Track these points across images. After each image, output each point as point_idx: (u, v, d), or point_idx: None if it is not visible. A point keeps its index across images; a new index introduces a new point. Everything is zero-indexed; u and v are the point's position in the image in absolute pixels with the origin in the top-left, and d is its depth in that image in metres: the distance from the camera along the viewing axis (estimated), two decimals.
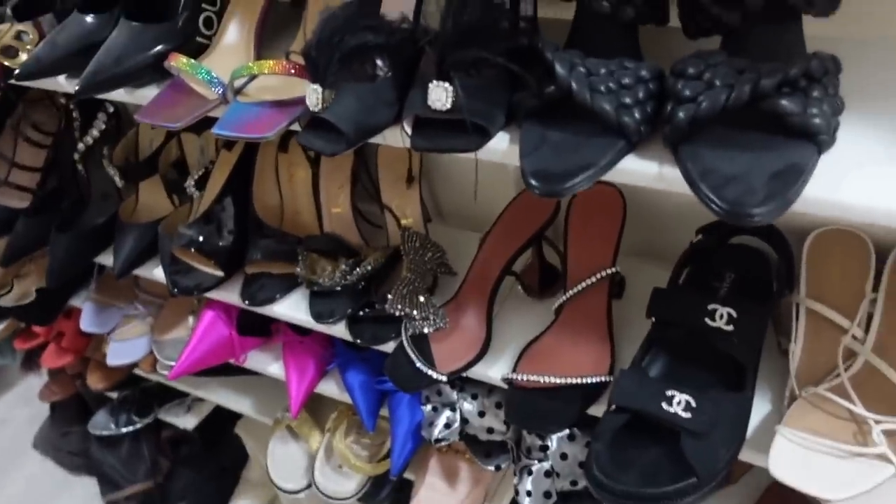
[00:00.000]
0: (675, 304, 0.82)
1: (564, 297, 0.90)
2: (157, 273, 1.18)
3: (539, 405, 0.85)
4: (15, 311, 1.38)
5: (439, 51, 0.66)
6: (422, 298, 0.96)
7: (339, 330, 1.03)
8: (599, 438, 0.73)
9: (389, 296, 0.95)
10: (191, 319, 1.28)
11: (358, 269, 1.01)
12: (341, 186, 1.11)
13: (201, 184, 1.16)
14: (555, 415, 0.84)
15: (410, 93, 0.69)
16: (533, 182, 0.60)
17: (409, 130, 0.68)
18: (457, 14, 0.66)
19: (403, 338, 0.95)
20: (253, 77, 0.79)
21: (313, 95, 0.68)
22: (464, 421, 1.03)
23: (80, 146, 1.26)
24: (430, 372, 0.91)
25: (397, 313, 0.95)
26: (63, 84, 0.92)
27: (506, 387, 0.90)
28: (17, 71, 0.88)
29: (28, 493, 1.97)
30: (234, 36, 0.88)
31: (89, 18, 0.89)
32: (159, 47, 0.85)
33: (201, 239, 1.08)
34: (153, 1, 0.89)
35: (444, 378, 0.91)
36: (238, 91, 0.79)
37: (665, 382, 0.75)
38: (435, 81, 0.64)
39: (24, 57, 0.93)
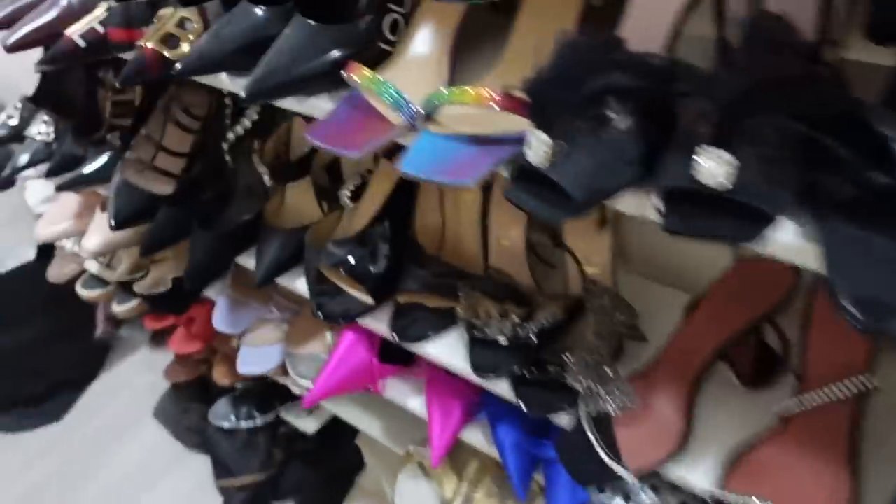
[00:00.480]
0: None
1: (798, 405, 0.72)
2: (299, 286, 1.08)
3: None
4: (148, 298, 1.32)
5: (719, 107, 0.49)
6: (609, 371, 0.80)
7: (502, 388, 0.89)
8: None
9: (570, 361, 0.80)
10: (328, 336, 1.17)
11: (531, 325, 0.85)
12: (515, 217, 0.96)
13: (357, 195, 1.03)
14: None
15: (666, 156, 0.52)
16: (854, 311, 0.43)
17: (661, 207, 0.51)
18: (740, 57, 0.49)
19: (583, 417, 0.80)
20: None
21: (540, 148, 0.53)
22: None
23: (230, 135, 1.16)
24: (616, 467, 0.75)
25: (579, 388, 0.79)
26: (226, 82, 0.81)
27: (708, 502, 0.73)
28: (177, 65, 0.77)
29: (143, 463, 1.97)
30: (424, 46, 0.73)
31: (259, 11, 0.77)
32: (337, 52, 0.72)
33: (353, 262, 0.95)
34: None
35: (633, 478, 0.75)
36: (429, 116, 0.65)
37: None
38: (709, 148, 0.47)
39: (185, 48, 0.82)
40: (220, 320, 1.27)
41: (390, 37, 0.74)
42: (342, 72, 0.70)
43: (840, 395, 0.69)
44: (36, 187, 1.73)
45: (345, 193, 1.03)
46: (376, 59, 0.73)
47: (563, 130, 0.52)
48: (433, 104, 0.62)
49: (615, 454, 0.77)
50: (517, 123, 0.59)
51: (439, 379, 1.08)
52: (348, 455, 1.69)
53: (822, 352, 0.73)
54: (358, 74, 0.68)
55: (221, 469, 1.79)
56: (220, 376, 1.49)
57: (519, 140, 0.56)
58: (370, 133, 0.66)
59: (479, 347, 0.91)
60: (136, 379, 2.18)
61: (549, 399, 0.85)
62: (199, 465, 1.90)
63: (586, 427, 0.79)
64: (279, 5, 0.77)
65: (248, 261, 1.14)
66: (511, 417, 1.01)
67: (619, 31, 0.61)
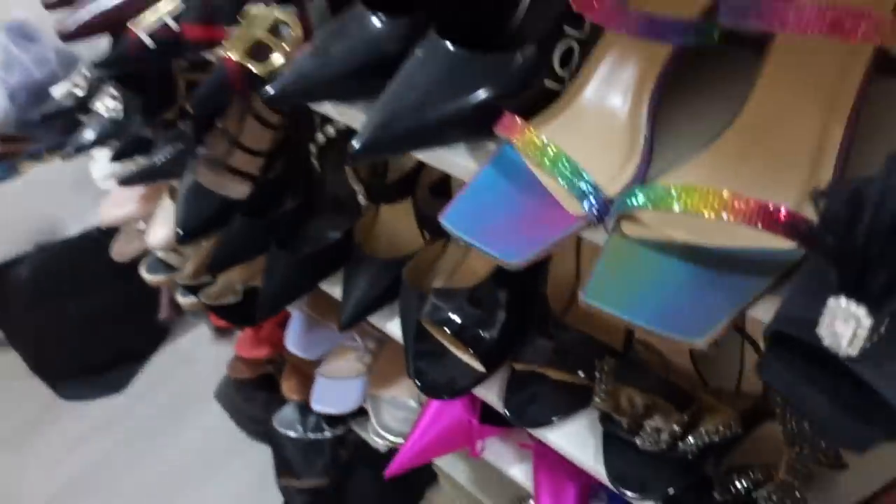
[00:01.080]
0: None
1: None
2: (391, 329, 0.91)
3: None
4: (214, 308, 1.17)
5: None
6: None
7: None
8: None
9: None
10: None
11: (693, 440, 0.66)
12: None
13: None
14: None
15: None
16: None
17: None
18: None
19: None
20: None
21: (849, 326, 0.33)
22: None
23: (320, 137, 0.98)
24: None
25: None
26: (332, 111, 0.63)
27: None
28: (268, 87, 0.58)
29: (202, 448, 1.87)
30: (611, 93, 0.52)
31: (377, 22, 0.58)
32: (486, 92, 0.52)
33: (461, 322, 0.77)
34: (480, 12, 0.56)
35: None
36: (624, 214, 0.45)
37: None
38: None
39: (277, 61, 0.64)
40: (294, 341, 1.12)
41: (561, 71, 0.54)
42: (497, 129, 0.50)
43: None
44: (102, 161, 1.60)
45: None
46: (538, 101, 0.54)
47: (889, 296, 0.32)
48: (639, 204, 0.42)
49: None
50: (774, 243, 0.40)
51: (549, 452, 0.90)
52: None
53: None
54: (521, 139, 0.48)
55: (284, 467, 1.68)
56: (288, 390, 1.35)
57: None
58: (535, 224, 0.47)
59: (619, 449, 0.72)
60: (199, 354, 2.08)
61: None
62: (261, 457, 1.80)
63: None
64: (406, 16, 0.57)
65: (332, 287, 0.98)
66: None
67: None
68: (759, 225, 0.39)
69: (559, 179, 0.46)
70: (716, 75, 0.54)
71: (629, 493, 0.70)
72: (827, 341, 0.33)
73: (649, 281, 0.42)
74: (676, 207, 0.41)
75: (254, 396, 1.80)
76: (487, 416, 0.94)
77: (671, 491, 0.68)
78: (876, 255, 0.31)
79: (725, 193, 0.39)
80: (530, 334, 0.79)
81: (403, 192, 0.92)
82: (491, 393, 0.82)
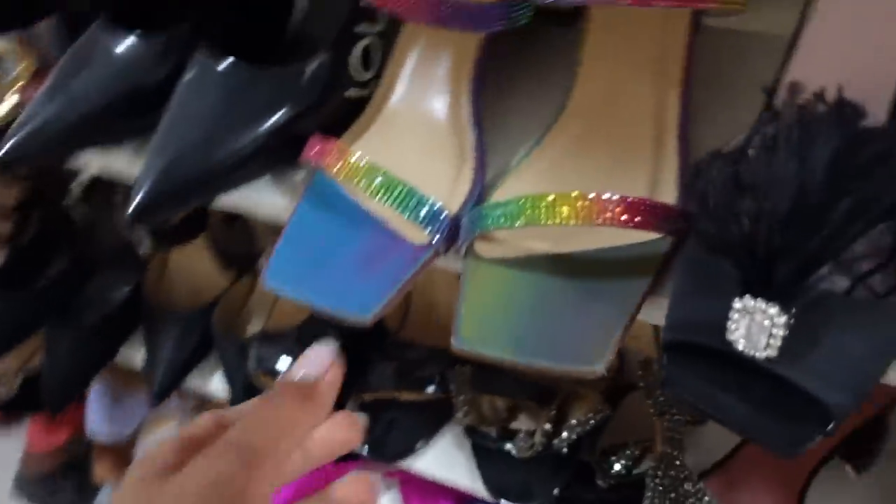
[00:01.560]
0: None
1: None
2: (214, 388, 0.80)
3: None
4: None
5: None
6: (688, 486, 0.60)
7: None
8: None
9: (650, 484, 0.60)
10: None
11: (567, 434, 0.64)
12: None
13: None
14: None
15: None
16: None
17: None
18: None
19: None
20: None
21: (763, 327, 0.29)
22: None
23: (81, 178, 0.84)
24: None
25: None
26: (92, 165, 0.50)
27: None
28: None
29: None
30: (421, 91, 0.46)
31: (130, 42, 0.47)
32: (279, 114, 0.44)
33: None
34: (250, 17, 0.48)
35: None
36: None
37: None
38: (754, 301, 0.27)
39: (2, 108, 0.50)
40: (97, 424, 0.95)
41: (364, 74, 0.46)
42: (304, 156, 0.42)
43: None
44: None
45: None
46: (345, 115, 0.46)
47: (796, 288, 0.29)
48: (496, 224, 0.36)
49: None
50: (642, 236, 0.36)
51: (415, 481, 0.84)
52: None
53: None
54: (334, 163, 0.40)
55: None
56: (102, 472, 1.16)
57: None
58: (376, 264, 0.40)
59: (493, 459, 0.68)
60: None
61: None
62: None
63: None
64: (164, 30, 0.47)
65: (133, 354, 0.84)
66: None
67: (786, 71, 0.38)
68: (630, 223, 0.35)
69: (391, 204, 0.39)
70: (533, 57, 0.50)
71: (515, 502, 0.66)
72: (741, 346, 0.30)
73: (527, 307, 0.36)
74: (540, 219, 0.35)
75: (61, 487, 1.56)
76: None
77: (556, 492, 0.65)
78: (778, 246, 0.28)
79: (591, 195, 0.35)
80: (372, 361, 0.72)
81: (193, 229, 0.80)
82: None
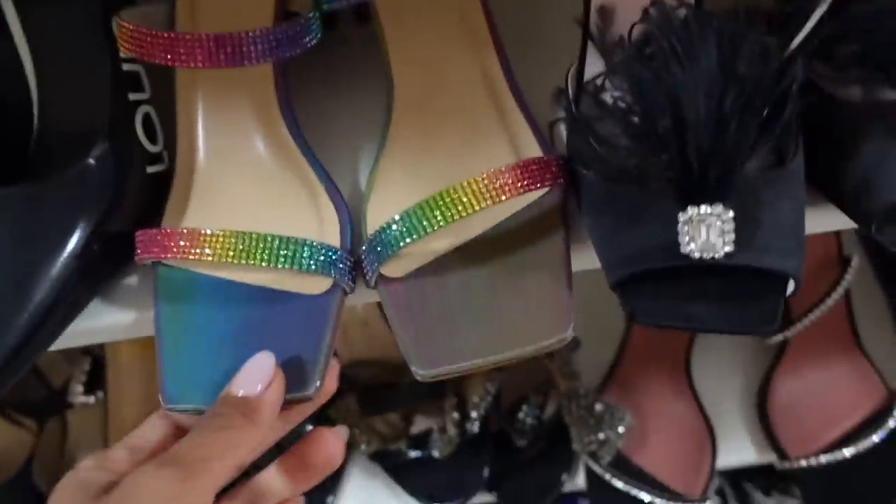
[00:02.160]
0: None
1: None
2: None
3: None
4: None
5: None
6: (599, 407, 0.63)
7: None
8: None
9: (572, 430, 0.61)
10: None
11: (475, 414, 0.63)
12: None
13: (93, 381, 0.65)
14: None
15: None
16: None
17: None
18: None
19: (600, 471, 0.63)
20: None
21: (713, 228, 0.30)
22: None
23: None
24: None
25: (583, 449, 0.62)
26: None
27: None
28: None
29: None
30: (226, 141, 0.40)
31: None
32: (80, 226, 0.36)
33: None
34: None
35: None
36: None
37: None
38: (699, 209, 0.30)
39: None
40: None
41: (154, 147, 0.39)
42: (143, 257, 0.35)
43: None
44: None
45: (76, 388, 0.64)
46: (153, 195, 0.39)
47: (728, 184, 0.30)
48: (403, 242, 0.33)
49: (664, 489, 0.62)
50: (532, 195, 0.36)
51: None
52: None
53: None
54: (192, 247, 0.34)
55: None
56: None
57: None
58: (282, 336, 0.34)
59: (412, 471, 0.66)
60: None
61: (540, 480, 0.66)
62: None
63: (609, 478, 0.62)
64: None
65: None
66: None
67: None
68: (534, 186, 0.34)
69: (274, 264, 0.34)
70: (331, 63, 0.46)
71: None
72: (698, 254, 0.31)
73: (464, 309, 0.34)
74: (448, 218, 0.33)
75: None
76: None
77: (486, 472, 0.64)
78: (707, 152, 0.29)
79: (483, 175, 0.33)
80: None
81: None
82: None
